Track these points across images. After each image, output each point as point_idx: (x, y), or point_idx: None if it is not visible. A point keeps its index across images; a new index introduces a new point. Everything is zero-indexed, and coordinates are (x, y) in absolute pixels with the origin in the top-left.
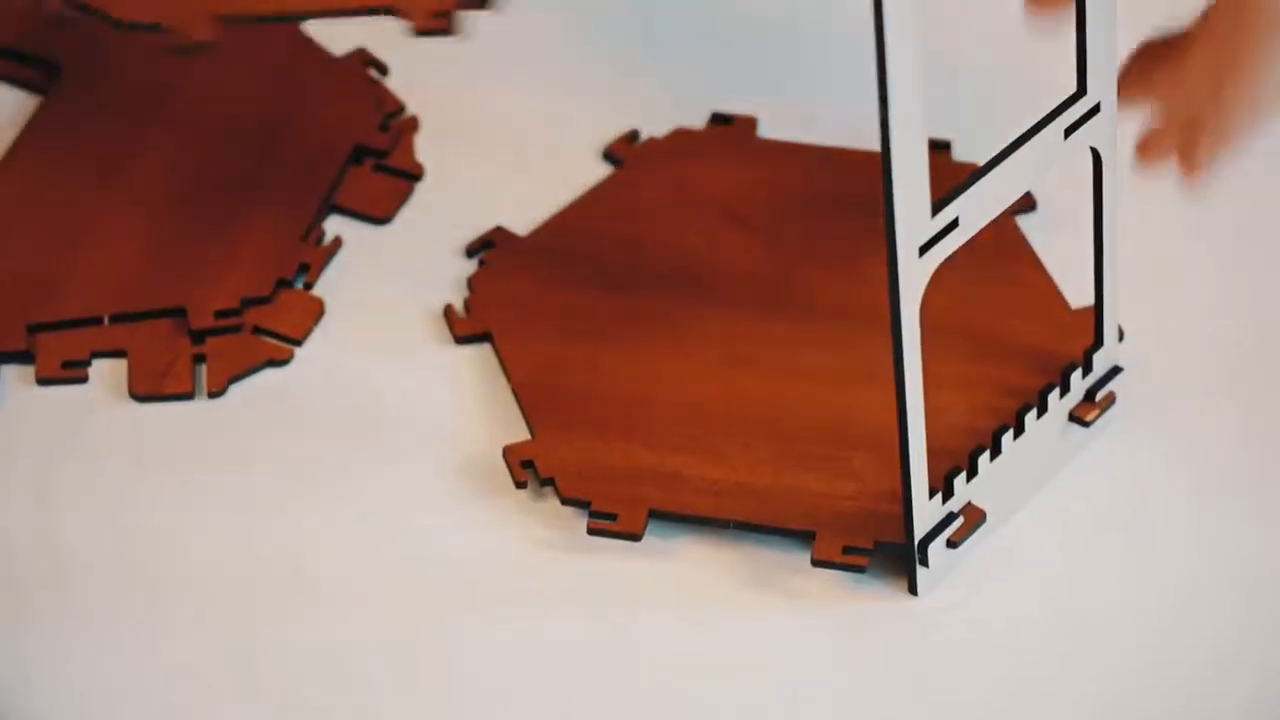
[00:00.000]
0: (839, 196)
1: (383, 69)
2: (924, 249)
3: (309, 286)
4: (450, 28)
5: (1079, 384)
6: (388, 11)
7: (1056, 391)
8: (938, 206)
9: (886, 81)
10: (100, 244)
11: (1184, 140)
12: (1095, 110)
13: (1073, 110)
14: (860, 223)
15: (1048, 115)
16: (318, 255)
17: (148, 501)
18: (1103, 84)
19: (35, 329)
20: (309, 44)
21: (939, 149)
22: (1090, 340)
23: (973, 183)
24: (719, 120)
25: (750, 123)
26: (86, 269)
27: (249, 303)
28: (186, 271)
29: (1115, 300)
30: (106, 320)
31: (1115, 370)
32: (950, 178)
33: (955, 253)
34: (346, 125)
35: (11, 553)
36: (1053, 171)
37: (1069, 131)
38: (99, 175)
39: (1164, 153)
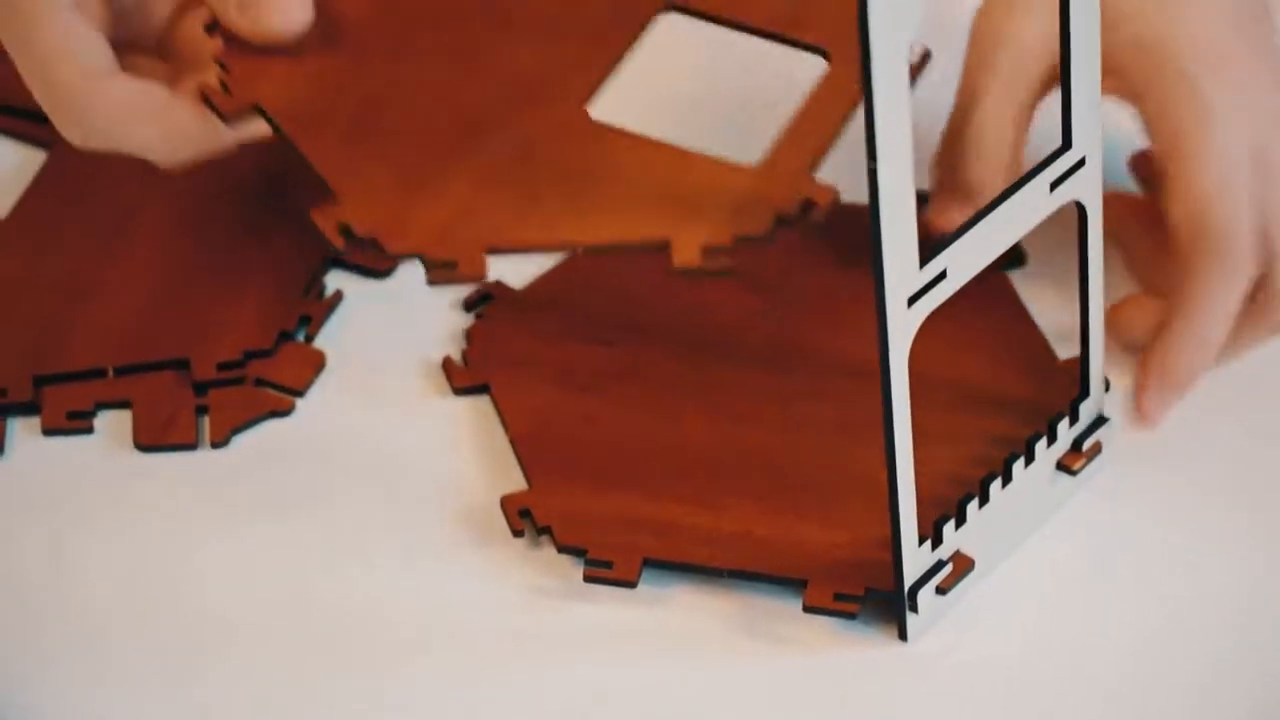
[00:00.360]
0: (836, 250)
1: None
2: (912, 300)
3: (310, 339)
4: (722, 266)
5: (1066, 434)
6: (659, 246)
7: (1044, 441)
8: (926, 258)
9: (875, 135)
10: (105, 297)
11: (1138, 375)
12: (1081, 164)
13: (1058, 164)
14: (856, 277)
15: (1034, 169)
16: (319, 308)
17: (153, 549)
18: (1088, 138)
19: (41, 381)
20: None
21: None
22: (1077, 391)
23: (960, 235)
24: None
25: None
26: (91, 322)
27: (251, 355)
28: (190, 324)
29: (1100, 352)
30: (111, 372)
31: (1101, 420)
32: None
33: (946, 305)
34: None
35: (22, 599)
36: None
37: (1054, 185)
38: (104, 230)
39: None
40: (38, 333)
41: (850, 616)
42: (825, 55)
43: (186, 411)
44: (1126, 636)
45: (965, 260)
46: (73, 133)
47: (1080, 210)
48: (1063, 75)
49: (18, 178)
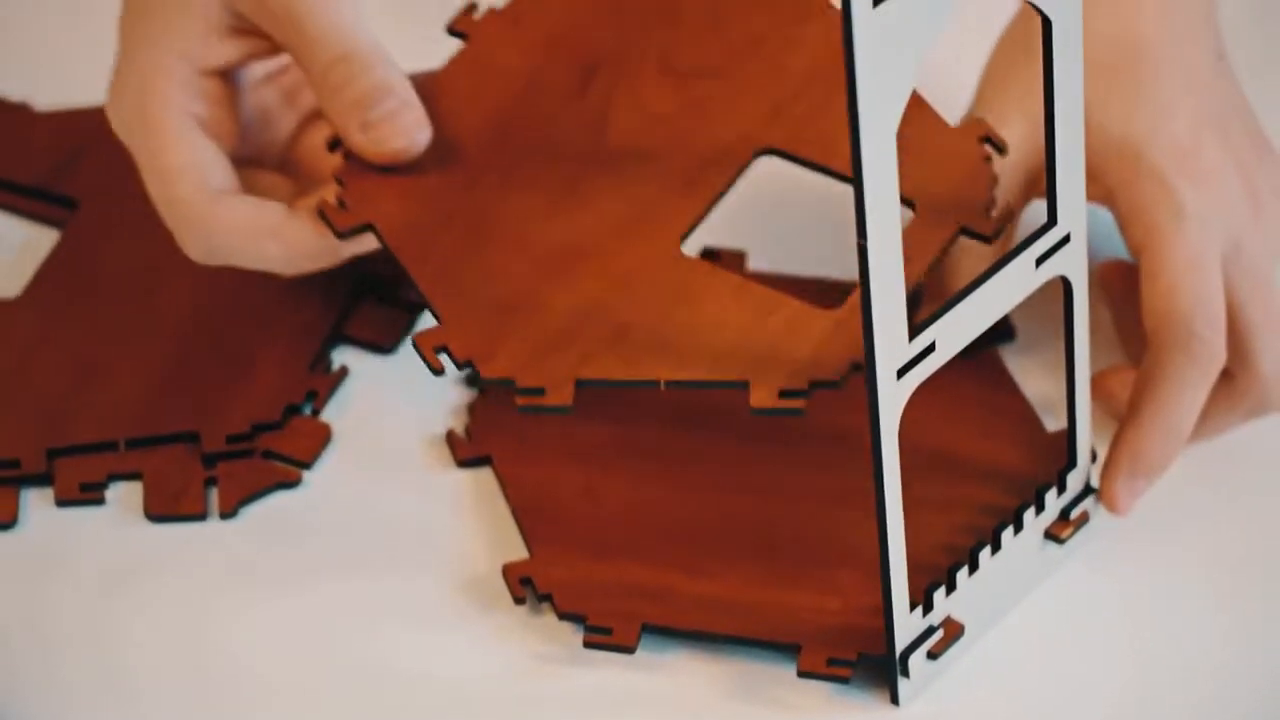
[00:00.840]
0: None
1: None
2: (902, 371)
3: (316, 413)
4: (796, 408)
5: (1054, 503)
6: (742, 385)
7: (1032, 510)
8: (915, 331)
9: (864, 212)
10: (117, 372)
11: (1107, 461)
12: (1065, 240)
13: (1044, 240)
14: None
15: (1020, 245)
16: (325, 383)
17: (163, 618)
18: (1073, 216)
19: (54, 453)
20: None
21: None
22: (1065, 462)
23: (948, 309)
24: (709, 255)
25: (739, 256)
26: (103, 396)
27: (259, 428)
28: (199, 398)
29: (1087, 423)
30: (123, 445)
31: (1089, 490)
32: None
33: (937, 379)
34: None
35: (33, 666)
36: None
37: (1040, 261)
38: (116, 306)
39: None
40: (51, 406)
41: (843, 681)
42: (911, 205)
43: (196, 483)
44: (1112, 702)
45: (953, 333)
46: (194, 249)
47: (1065, 285)
48: (1047, 156)
49: (32, 256)
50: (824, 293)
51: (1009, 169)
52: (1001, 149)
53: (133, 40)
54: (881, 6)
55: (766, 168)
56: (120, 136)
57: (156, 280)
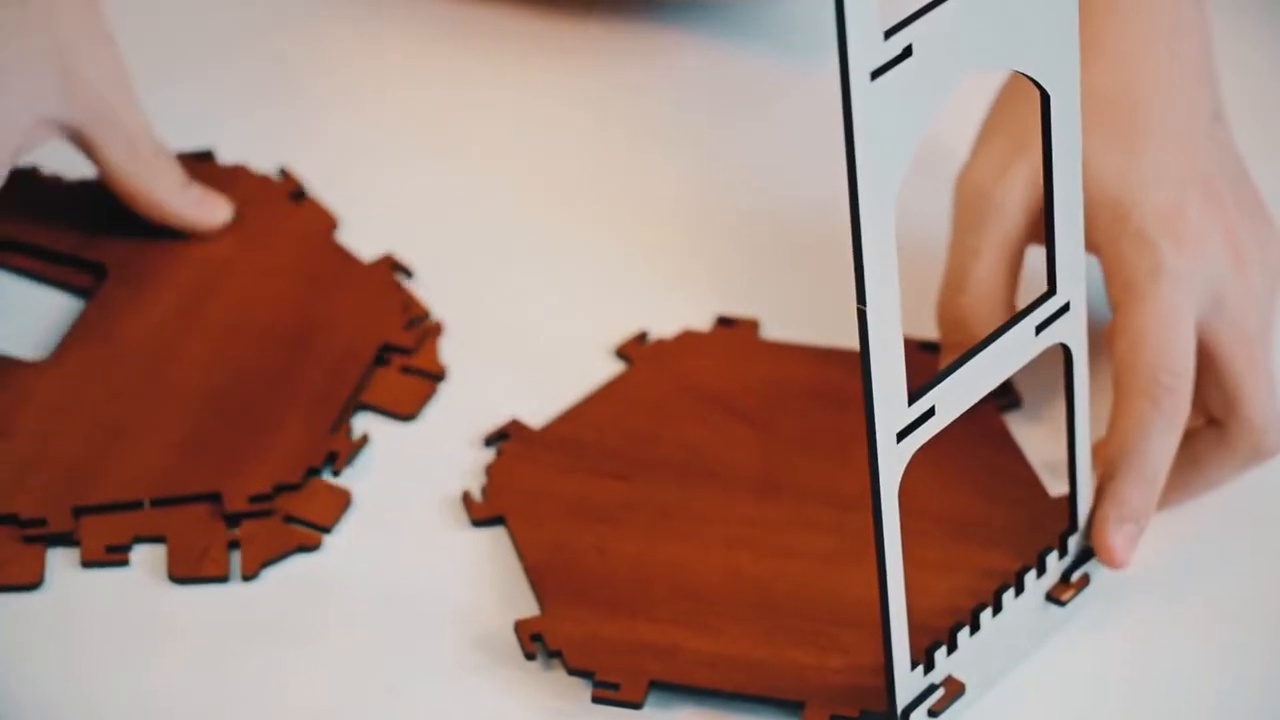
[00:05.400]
0: (832, 392)
1: (409, 273)
2: (901, 435)
3: (337, 473)
4: None
5: (1055, 566)
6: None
7: (1034, 573)
8: (915, 396)
9: (863, 278)
10: (141, 434)
11: (1094, 512)
12: (1065, 309)
13: (1043, 308)
14: (852, 416)
15: (1020, 313)
16: (346, 448)
17: (185, 678)
18: (1072, 285)
19: (80, 511)
20: (340, 251)
21: (929, 349)
22: (1066, 525)
23: (948, 374)
24: (723, 322)
25: (752, 325)
26: (128, 458)
27: (280, 488)
28: (222, 461)
29: (1088, 488)
30: (148, 504)
31: (1089, 554)
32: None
33: (941, 442)
34: (374, 327)
35: None
36: (1034, 369)
37: (1040, 328)
38: (141, 371)
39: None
40: (77, 466)
41: None
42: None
43: (219, 546)
44: None
45: (953, 398)
46: None
47: (1066, 352)
48: (1046, 228)
49: (59, 321)
50: (828, 362)
51: (1014, 212)
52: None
53: None
54: (880, 79)
55: (777, 233)
56: None
57: (181, 345)
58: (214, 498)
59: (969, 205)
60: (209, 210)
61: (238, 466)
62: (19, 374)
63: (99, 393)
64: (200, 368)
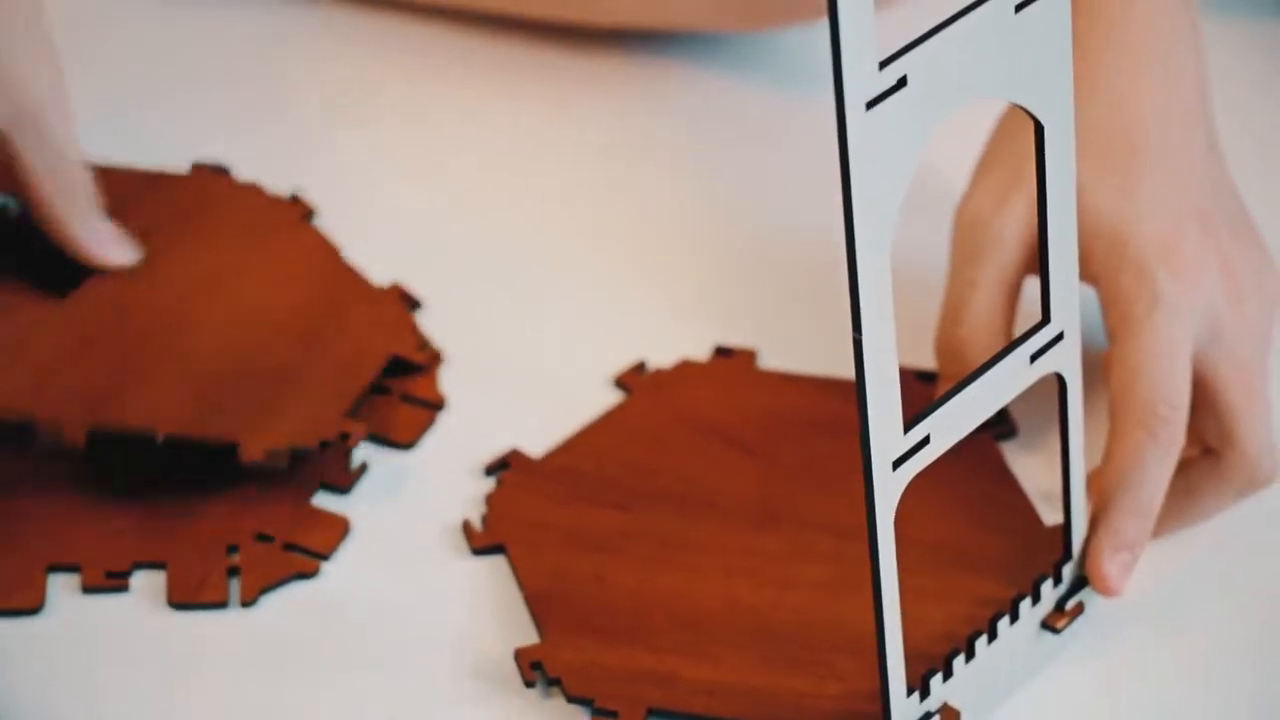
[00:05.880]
0: (829, 422)
1: (416, 303)
2: (897, 463)
3: (345, 492)
4: None
5: (1050, 594)
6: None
7: (1029, 601)
8: (910, 425)
9: (859, 306)
10: (161, 376)
11: (1089, 541)
12: (1059, 338)
13: (1038, 337)
14: (850, 445)
15: (1014, 342)
16: (345, 478)
17: (185, 704)
18: (1066, 314)
19: (95, 434)
20: (352, 272)
21: (926, 379)
22: (1061, 553)
23: (942, 403)
24: (721, 352)
25: (750, 354)
26: (147, 393)
27: (280, 520)
28: (240, 414)
29: (1083, 516)
30: (161, 438)
31: (1083, 581)
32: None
33: (937, 472)
34: (381, 347)
35: None
36: (1030, 398)
37: (1034, 357)
38: (164, 321)
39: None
40: (96, 391)
41: None
42: None
43: (218, 572)
44: None
45: (948, 427)
46: None
47: (1060, 381)
48: (1041, 257)
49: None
50: (825, 392)
51: (1011, 244)
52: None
53: None
54: (875, 109)
55: (775, 264)
56: None
57: (203, 309)
58: (230, 450)
59: (967, 237)
60: (111, 250)
61: (256, 420)
62: (42, 304)
63: (121, 331)
64: (221, 330)
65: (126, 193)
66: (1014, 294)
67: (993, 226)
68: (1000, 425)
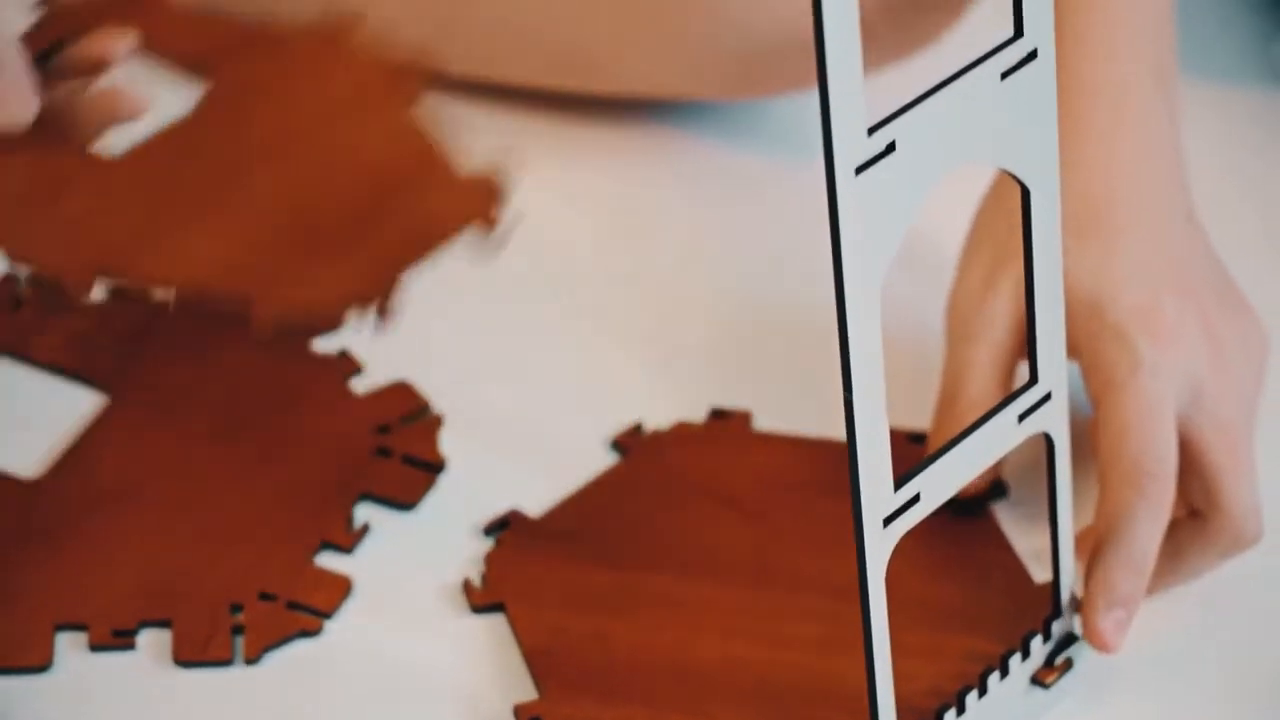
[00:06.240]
0: (824, 482)
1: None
2: (887, 520)
3: (348, 552)
4: None
5: (1039, 650)
6: None
7: (1018, 656)
8: (900, 483)
9: (849, 367)
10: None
11: (1084, 600)
12: (1047, 398)
13: (1026, 397)
14: (843, 505)
15: (1002, 401)
16: (348, 538)
17: None
18: (1053, 374)
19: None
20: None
21: (918, 441)
22: (1050, 610)
23: (932, 461)
24: (717, 415)
25: (745, 417)
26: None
27: (283, 579)
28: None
29: (1071, 573)
30: (173, 297)
31: (1072, 638)
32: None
33: (929, 530)
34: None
35: None
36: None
37: (1022, 417)
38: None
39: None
40: (115, 244)
41: None
42: None
43: (223, 631)
44: None
45: (937, 485)
46: None
47: (1048, 441)
48: (1028, 319)
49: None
50: (819, 453)
51: (1001, 324)
52: None
53: None
54: (864, 173)
55: (770, 326)
56: None
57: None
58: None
59: (959, 321)
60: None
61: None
62: (90, 158)
63: (168, 187)
64: (278, 194)
65: (228, 46)
66: (1008, 373)
67: (983, 309)
68: (991, 485)
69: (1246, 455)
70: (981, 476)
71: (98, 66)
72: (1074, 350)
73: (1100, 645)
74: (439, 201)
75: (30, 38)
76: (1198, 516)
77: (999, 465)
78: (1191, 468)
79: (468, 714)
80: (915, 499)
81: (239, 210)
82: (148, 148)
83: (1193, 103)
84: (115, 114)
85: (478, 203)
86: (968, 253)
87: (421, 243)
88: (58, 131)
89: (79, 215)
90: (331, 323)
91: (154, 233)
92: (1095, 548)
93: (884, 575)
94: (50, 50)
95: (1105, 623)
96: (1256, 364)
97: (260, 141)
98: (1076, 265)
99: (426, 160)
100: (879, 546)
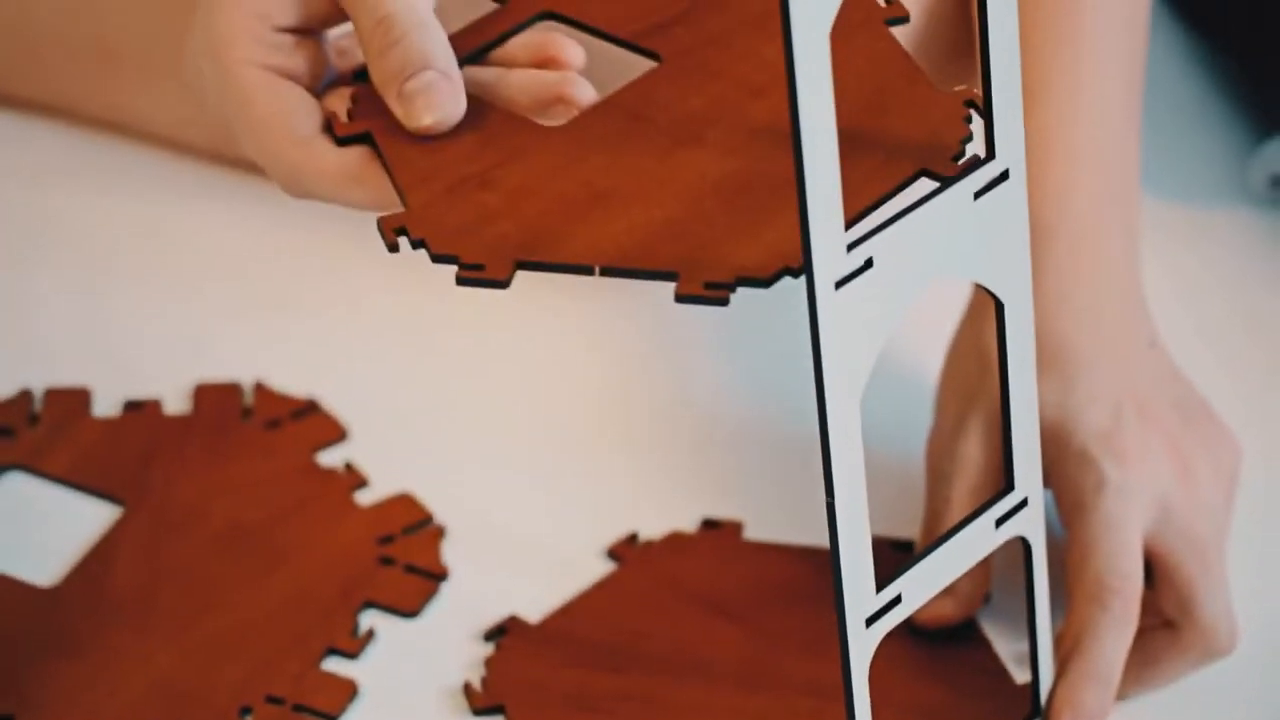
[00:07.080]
0: (811, 588)
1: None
2: (870, 620)
3: (352, 657)
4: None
5: None
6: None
7: None
8: (882, 585)
9: (831, 472)
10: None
11: (1049, 713)
12: (1023, 504)
13: (1003, 503)
14: (829, 610)
15: (980, 508)
16: (353, 644)
17: None
18: (1029, 481)
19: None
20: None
21: (900, 549)
22: (1029, 710)
23: (913, 564)
24: (709, 524)
25: (737, 526)
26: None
27: (290, 683)
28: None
29: (1050, 674)
30: (597, 271)
31: None
32: None
33: (914, 635)
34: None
35: None
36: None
37: (1000, 522)
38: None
39: None
40: (540, 226)
41: None
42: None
43: None
44: None
45: (918, 587)
46: (289, 191)
47: (1025, 545)
48: (1003, 427)
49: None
50: (808, 561)
51: (975, 462)
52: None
53: (208, 5)
54: (844, 288)
55: (759, 439)
56: (204, 95)
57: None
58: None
59: (937, 463)
60: (428, 114)
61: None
62: (533, 131)
63: (610, 152)
64: (732, 142)
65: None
66: None
67: (957, 451)
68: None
69: (1218, 567)
70: (964, 604)
71: (545, 65)
72: (1044, 477)
73: None
74: (911, 126)
75: (461, 38)
76: (1172, 627)
77: (985, 589)
78: (1165, 580)
79: None
80: (897, 599)
81: (685, 168)
82: (588, 114)
83: (1167, 224)
84: (550, 85)
85: (945, 126)
86: (941, 392)
87: (889, 175)
88: (496, 114)
89: (504, 201)
90: (764, 284)
91: (589, 204)
92: (1061, 662)
93: (868, 673)
94: (480, 50)
95: None
96: (1226, 478)
97: (715, 87)
98: (1039, 397)
99: (908, 81)
100: (862, 645)
